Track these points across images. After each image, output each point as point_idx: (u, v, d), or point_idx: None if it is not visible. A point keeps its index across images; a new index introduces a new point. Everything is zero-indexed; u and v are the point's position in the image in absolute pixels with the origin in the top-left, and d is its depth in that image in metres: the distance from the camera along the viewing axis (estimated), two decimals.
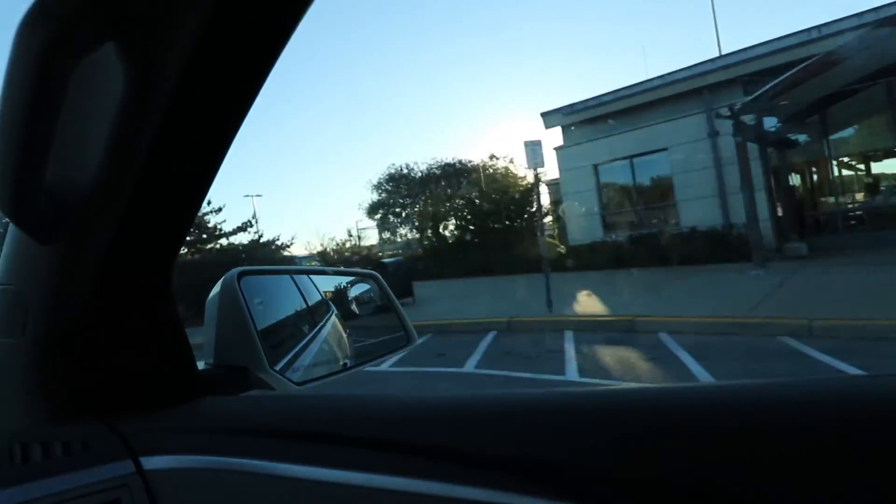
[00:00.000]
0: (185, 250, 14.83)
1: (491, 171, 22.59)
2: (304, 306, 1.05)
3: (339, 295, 1.18)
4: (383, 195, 26.72)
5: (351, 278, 1.27)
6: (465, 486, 0.49)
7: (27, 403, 0.74)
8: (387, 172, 26.48)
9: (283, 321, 0.97)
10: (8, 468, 0.65)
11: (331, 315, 1.11)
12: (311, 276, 1.12)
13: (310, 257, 21.43)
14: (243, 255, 15.56)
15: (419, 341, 1.13)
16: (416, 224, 22.21)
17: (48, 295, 0.69)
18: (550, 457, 0.48)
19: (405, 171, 26.00)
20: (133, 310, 0.74)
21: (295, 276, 1.06)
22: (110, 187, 0.58)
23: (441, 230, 20.08)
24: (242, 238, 17.11)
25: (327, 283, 1.19)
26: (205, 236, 16.23)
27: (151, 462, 0.70)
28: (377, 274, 1.13)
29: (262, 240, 17.27)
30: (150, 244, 0.69)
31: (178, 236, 0.72)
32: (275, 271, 1.05)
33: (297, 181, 47.07)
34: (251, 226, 18.22)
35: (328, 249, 22.34)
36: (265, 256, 16.03)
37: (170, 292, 0.76)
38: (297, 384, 0.86)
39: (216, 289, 0.86)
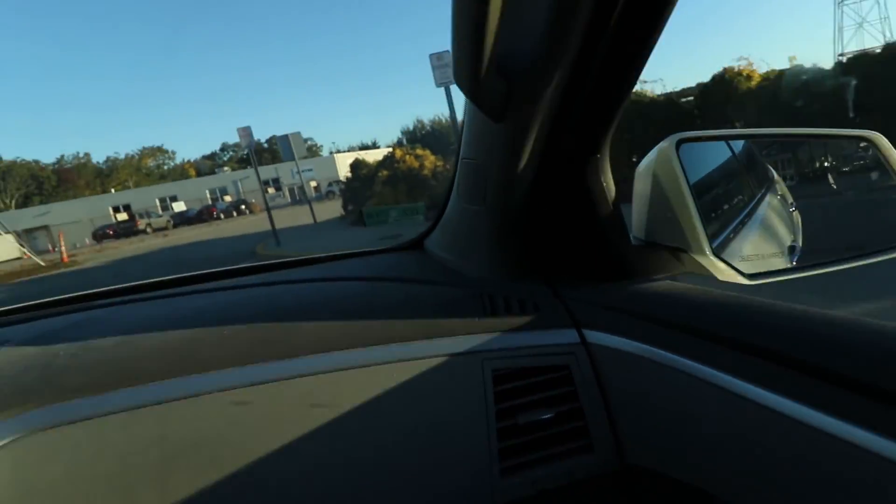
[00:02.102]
0: None
1: None
2: (742, 178, 0.86)
3: (805, 164, 0.90)
4: None
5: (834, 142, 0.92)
6: None
7: (489, 260, 0.84)
8: None
9: (715, 196, 0.81)
10: (480, 313, 0.75)
11: (774, 191, 0.88)
12: (758, 141, 0.89)
13: None
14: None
15: None
16: None
17: (502, 169, 0.73)
18: None
19: None
20: (572, 186, 0.75)
21: (731, 142, 0.85)
22: (548, 67, 0.58)
23: None
24: None
25: (781, 149, 0.91)
26: None
27: (594, 336, 0.71)
28: (878, 135, 0.77)
29: None
30: (586, 122, 0.69)
31: (611, 116, 0.70)
32: (721, 137, 0.84)
33: None
34: None
35: None
36: None
37: (605, 168, 0.75)
38: (748, 276, 0.70)
39: (650, 157, 0.77)
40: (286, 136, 12.27)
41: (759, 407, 0.52)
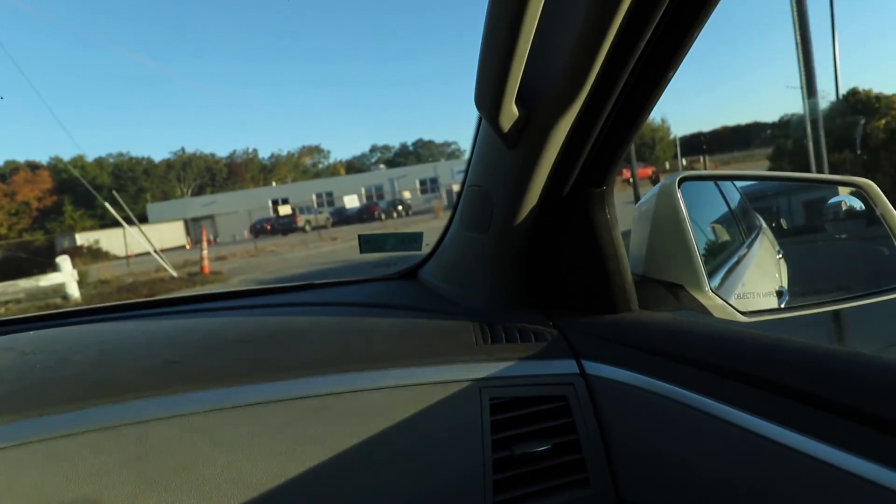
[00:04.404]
0: None
1: None
2: (735, 222, 0.88)
3: (800, 209, 0.90)
4: None
5: (825, 187, 0.93)
6: None
7: (488, 289, 0.86)
8: None
9: (711, 235, 0.86)
10: (477, 342, 0.75)
11: (762, 233, 0.90)
12: (750, 184, 0.92)
13: None
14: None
15: None
16: None
17: (509, 197, 0.76)
18: None
19: None
20: (576, 217, 0.78)
21: (721, 183, 0.87)
22: (565, 99, 0.62)
23: None
24: None
25: (773, 196, 0.92)
26: None
27: (593, 367, 0.72)
28: (870, 182, 0.78)
29: None
30: (594, 156, 0.73)
31: (619, 150, 0.73)
32: (722, 177, 0.87)
33: None
34: None
35: None
36: None
37: (610, 201, 0.79)
38: (744, 313, 0.76)
39: (651, 194, 0.83)
40: None
41: (763, 439, 0.52)
